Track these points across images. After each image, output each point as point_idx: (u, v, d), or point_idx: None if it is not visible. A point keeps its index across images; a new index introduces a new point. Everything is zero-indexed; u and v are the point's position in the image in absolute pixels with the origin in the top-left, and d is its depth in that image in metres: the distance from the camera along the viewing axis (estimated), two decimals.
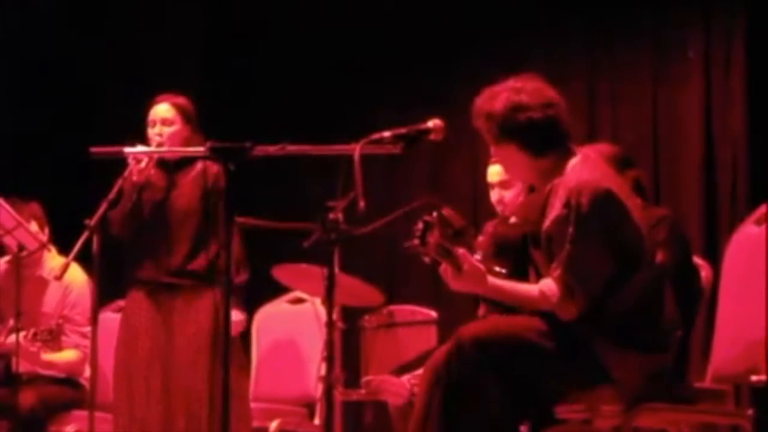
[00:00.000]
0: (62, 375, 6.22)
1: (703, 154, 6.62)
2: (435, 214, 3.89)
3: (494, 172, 5.32)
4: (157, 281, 5.49)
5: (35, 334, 5.80)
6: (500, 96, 4.10)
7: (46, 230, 6.34)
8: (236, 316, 5.54)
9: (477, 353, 3.92)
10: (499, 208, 5.33)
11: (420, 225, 3.89)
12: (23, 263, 6.13)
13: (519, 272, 4.18)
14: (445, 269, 3.99)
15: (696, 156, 6.64)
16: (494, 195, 5.36)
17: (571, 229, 3.96)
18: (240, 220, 5.19)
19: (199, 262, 5.47)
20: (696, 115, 6.67)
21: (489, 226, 5.28)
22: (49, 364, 6.14)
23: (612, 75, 7.00)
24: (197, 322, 5.42)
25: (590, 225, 3.96)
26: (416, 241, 3.90)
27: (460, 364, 3.92)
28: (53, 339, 5.83)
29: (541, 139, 4.10)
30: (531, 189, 4.54)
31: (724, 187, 6.55)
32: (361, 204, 3.86)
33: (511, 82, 4.13)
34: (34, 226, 6.23)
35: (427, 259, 3.97)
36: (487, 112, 4.12)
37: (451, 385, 3.92)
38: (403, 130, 4.11)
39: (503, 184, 5.30)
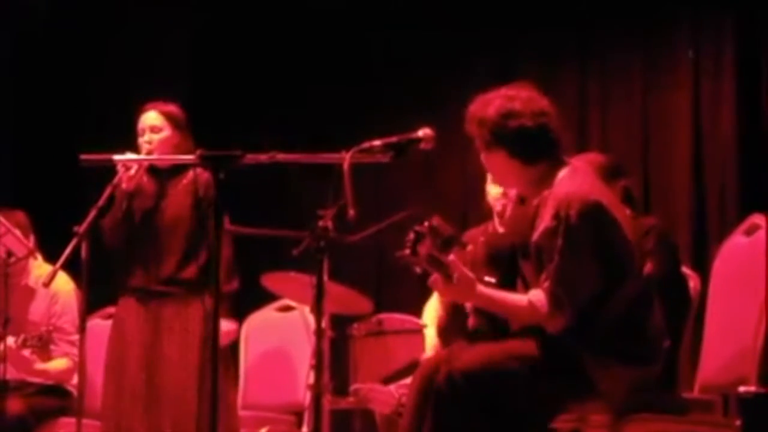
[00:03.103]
0: (50, 382, 6.20)
1: (692, 160, 6.61)
2: (426, 224, 3.88)
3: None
4: (147, 289, 5.47)
5: (25, 340, 5.78)
6: (493, 102, 4.12)
7: (31, 239, 6.27)
8: (227, 325, 5.47)
9: (467, 385, 3.94)
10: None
11: (411, 235, 3.89)
12: (9, 271, 6.09)
13: (508, 282, 4.18)
14: (435, 279, 3.99)
15: (685, 163, 6.63)
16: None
17: (560, 241, 3.97)
18: (229, 227, 5.18)
19: (190, 271, 5.45)
20: (686, 120, 6.66)
21: (477, 235, 5.25)
22: (42, 373, 6.13)
23: (602, 80, 7.00)
24: (187, 330, 5.40)
25: (579, 237, 3.97)
26: (407, 252, 3.90)
27: (451, 395, 3.94)
28: (42, 346, 5.81)
29: (532, 147, 4.11)
30: (521, 200, 4.55)
31: (713, 196, 6.55)
32: (351, 212, 3.86)
33: (504, 90, 4.17)
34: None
35: (418, 270, 3.97)
36: (479, 118, 4.14)
37: (441, 412, 3.93)
38: (393, 139, 4.11)
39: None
